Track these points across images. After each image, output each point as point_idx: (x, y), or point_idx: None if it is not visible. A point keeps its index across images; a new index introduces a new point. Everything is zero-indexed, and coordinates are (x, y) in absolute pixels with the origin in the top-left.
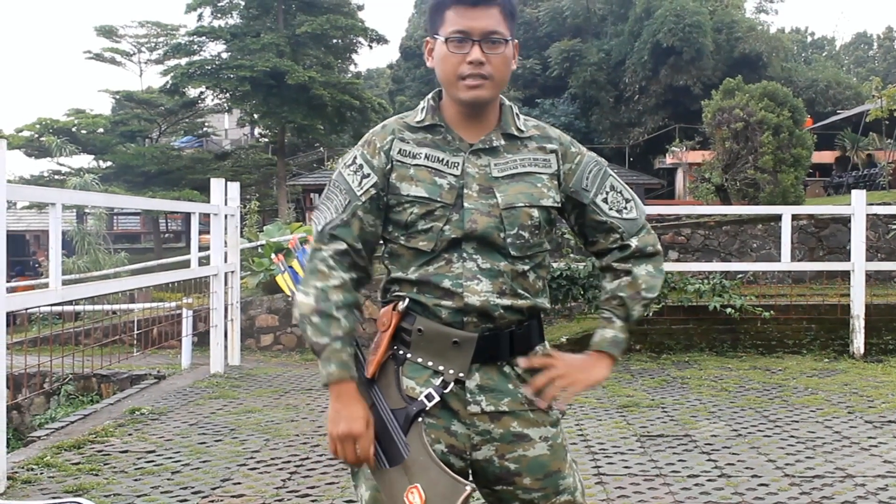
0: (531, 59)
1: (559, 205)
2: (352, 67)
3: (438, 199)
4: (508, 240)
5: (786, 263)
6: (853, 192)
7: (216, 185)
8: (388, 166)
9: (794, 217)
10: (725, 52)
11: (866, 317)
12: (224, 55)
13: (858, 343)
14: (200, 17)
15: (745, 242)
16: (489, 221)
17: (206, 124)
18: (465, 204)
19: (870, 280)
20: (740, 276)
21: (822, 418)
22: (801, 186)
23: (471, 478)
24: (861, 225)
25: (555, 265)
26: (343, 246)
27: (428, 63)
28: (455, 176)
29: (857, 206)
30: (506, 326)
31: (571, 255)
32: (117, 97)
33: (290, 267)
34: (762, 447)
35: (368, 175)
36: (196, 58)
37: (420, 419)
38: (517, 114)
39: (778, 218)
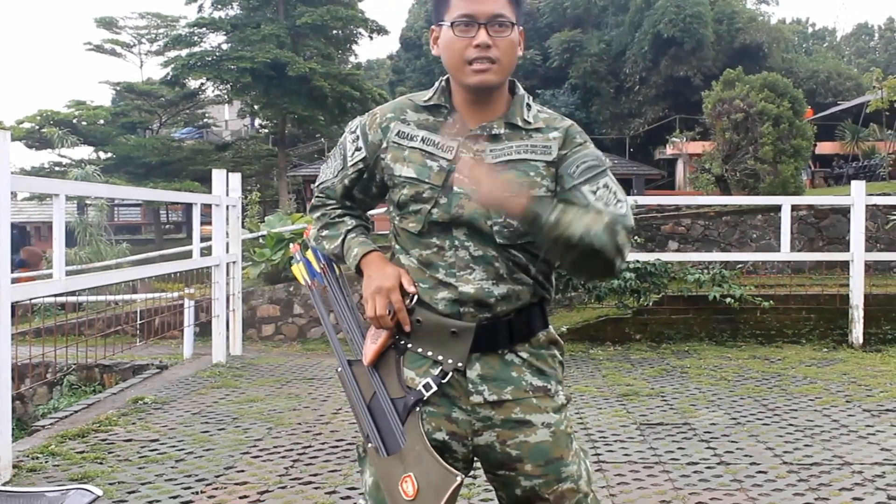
0: (532, 49)
1: (553, 193)
2: (352, 58)
3: (427, 181)
4: (495, 227)
5: (785, 254)
6: (853, 182)
7: (217, 175)
8: (384, 145)
9: (794, 207)
10: (726, 43)
11: (865, 307)
12: (224, 46)
13: (857, 333)
14: (201, 8)
15: (745, 233)
16: (476, 207)
17: (207, 115)
18: (455, 188)
19: (869, 270)
20: (740, 266)
21: (821, 407)
22: (800, 177)
23: (476, 463)
24: (860, 215)
25: None
26: (332, 201)
27: (434, 51)
28: (447, 160)
29: (857, 196)
30: (504, 315)
31: None
32: (118, 88)
33: (306, 258)
34: (761, 435)
35: (360, 149)
36: (196, 49)
37: (417, 409)
38: (528, 104)
39: (778, 208)
